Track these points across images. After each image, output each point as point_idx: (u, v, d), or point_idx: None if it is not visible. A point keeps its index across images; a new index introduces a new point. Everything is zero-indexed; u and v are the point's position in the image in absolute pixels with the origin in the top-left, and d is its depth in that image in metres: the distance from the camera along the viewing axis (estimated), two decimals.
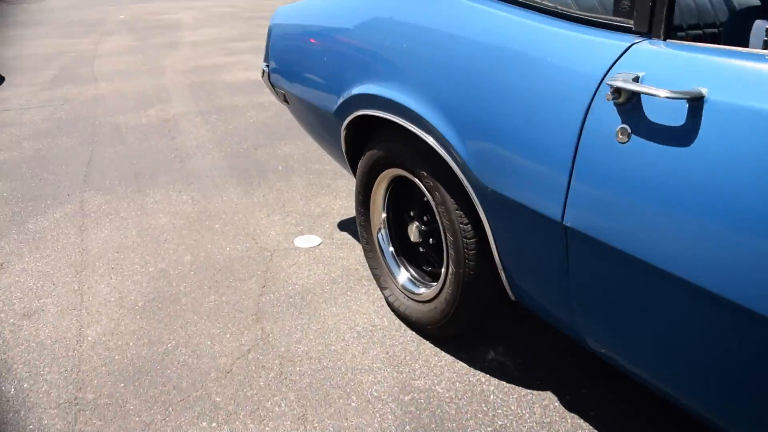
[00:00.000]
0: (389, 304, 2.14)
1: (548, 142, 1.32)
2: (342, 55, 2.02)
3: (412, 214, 2.03)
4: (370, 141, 2.05)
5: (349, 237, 2.73)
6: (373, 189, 2.09)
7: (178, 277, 2.42)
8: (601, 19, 1.32)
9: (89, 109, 5.14)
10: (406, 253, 2.13)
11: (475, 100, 1.49)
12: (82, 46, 8.61)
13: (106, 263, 2.54)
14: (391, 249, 2.13)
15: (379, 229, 2.14)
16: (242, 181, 3.42)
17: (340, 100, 2.02)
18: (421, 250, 2.04)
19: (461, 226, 1.69)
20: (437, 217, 1.79)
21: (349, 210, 3.01)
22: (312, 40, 2.22)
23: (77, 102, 5.39)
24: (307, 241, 2.70)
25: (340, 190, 3.26)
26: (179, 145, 4.09)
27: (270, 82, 2.64)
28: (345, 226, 2.84)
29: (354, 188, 3.12)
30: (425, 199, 1.91)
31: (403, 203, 2.09)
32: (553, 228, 1.35)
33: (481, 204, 1.57)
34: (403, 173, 1.91)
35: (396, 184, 2.04)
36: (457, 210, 1.68)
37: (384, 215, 2.13)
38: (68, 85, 6.10)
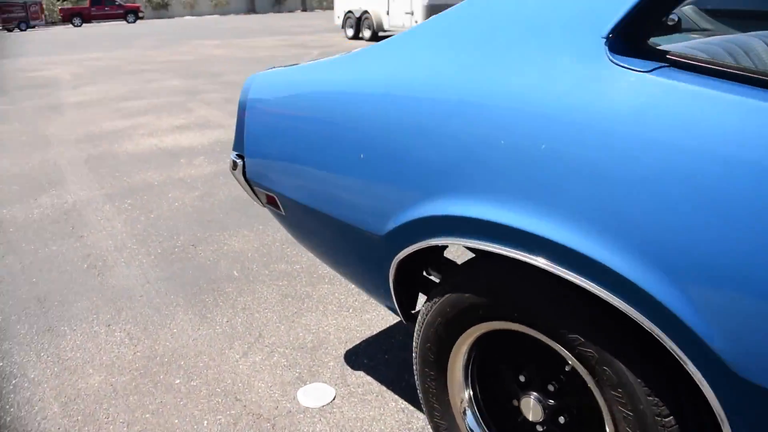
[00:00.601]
0: None
1: None
2: (403, 153, 1.32)
3: (523, 379, 1.37)
4: (446, 277, 1.39)
5: (370, 379, 2.01)
6: (453, 350, 1.41)
7: None
8: None
9: None
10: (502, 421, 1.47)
11: (741, 245, 0.87)
12: None
13: None
14: None
15: (464, 410, 1.46)
16: (192, 300, 2.60)
17: (400, 221, 1.34)
18: (540, 429, 1.38)
19: (658, 419, 1.06)
20: (602, 404, 1.15)
21: (352, 333, 2.29)
22: (335, 126, 1.52)
23: None
24: (315, 395, 1.95)
25: (327, 302, 2.53)
26: (91, 249, 3.19)
27: (247, 179, 1.91)
28: (356, 359, 2.12)
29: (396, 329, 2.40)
30: (567, 369, 1.26)
31: (499, 354, 1.43)
32: None
33: (723, 401, 0.94)
34: (518, 328, 1.26)
35: (490, 338, 1.38)
36: (650, 396, 1.06)
37: (469, 392, 1.45)
38: None
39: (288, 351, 2.19)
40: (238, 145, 1.92)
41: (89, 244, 3.24)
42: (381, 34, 16.05)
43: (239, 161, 1.92)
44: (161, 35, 21.40)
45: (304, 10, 48.42)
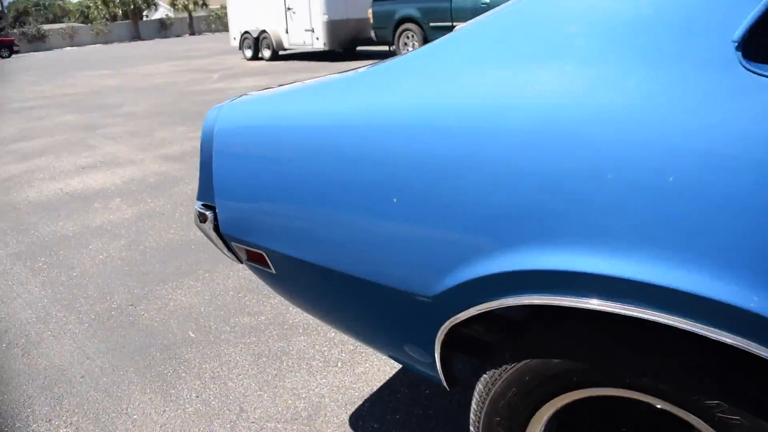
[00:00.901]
0: None
1: None
2: (460, 196, 1.05)
3: None
4: (519, 339, 1.15)
5: None
6: (532, 422, 1.17)
7: None
8: None
9: None
10: None
11: None
12: None
13: None
14: None
15: None
16: (147, 375, 2.21)
17: (460, 279, 1.08)
18: None
19: None
20: None
21: (349, 392, 2.00)
22: (352, 164, 1.23)
23: None
24: None
25: (309, 357, 2.23)
26: (8, 323, 2.70)
27: (220, 234, 1.60)
28: (364, 424, 1.83)
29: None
30: None
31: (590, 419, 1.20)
32: None
33: None
34: (625, 394, 1.04)
35: (580, 404, 1.16)
36: None
37: None
38: None
39: (281, 425, 1.87)
40: (206, 193, 1.60)
41: (4, 318, 2.74)
42: (281, 53, 15.72)
43: (209, 213, 1.61)
44: (43, 68, 19.97)
45: (192, 33, 47.13)
